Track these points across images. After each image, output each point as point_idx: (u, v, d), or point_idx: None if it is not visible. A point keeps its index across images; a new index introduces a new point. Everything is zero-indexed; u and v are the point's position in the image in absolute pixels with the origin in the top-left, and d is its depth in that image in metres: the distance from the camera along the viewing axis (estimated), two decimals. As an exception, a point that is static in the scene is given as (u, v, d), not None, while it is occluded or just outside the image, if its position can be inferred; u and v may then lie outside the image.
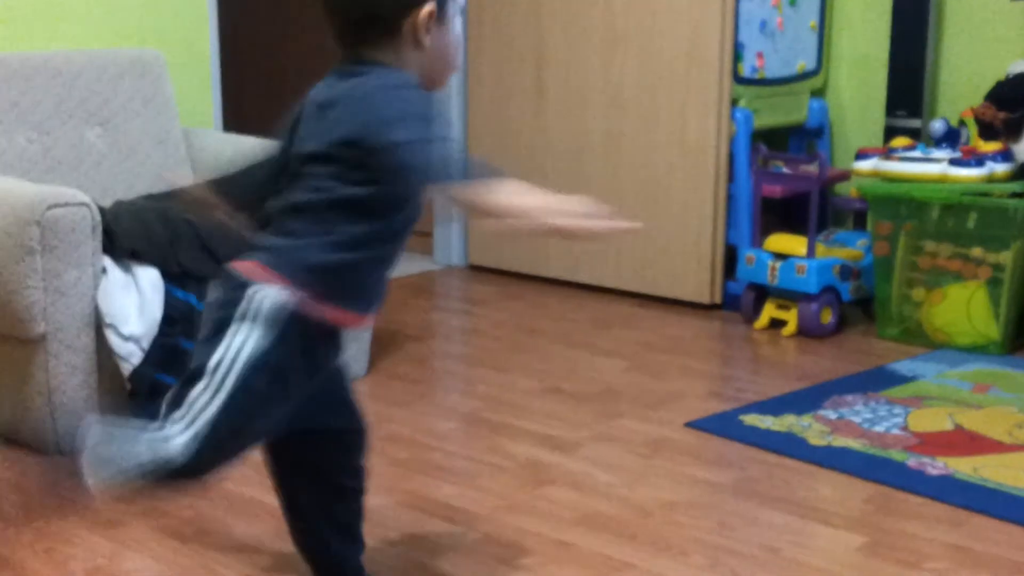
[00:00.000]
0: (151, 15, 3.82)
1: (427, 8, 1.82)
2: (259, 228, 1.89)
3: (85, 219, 2.79)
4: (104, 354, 2.84)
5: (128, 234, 2.92)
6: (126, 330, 2.80)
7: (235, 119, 4.46)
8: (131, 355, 2.80)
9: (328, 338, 1.91)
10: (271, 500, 2.59)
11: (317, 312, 1.83)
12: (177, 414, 1.80)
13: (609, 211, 1.67)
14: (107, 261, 2.86)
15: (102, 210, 2.89)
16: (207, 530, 2.46)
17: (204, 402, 1.79)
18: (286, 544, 2.39)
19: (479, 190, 1.70)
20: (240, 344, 1.79)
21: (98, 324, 2.81)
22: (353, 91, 1.81)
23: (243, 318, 1.80)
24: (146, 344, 2.83)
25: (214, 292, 1.88)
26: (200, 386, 1.80)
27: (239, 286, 1.82)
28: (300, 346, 1.83)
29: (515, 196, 1.68)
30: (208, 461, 1.82)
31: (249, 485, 2.68)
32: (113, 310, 2.80)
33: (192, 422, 1.79)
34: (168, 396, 1.83)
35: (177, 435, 1.78)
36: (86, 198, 2.81)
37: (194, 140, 3.69)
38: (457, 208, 1.75)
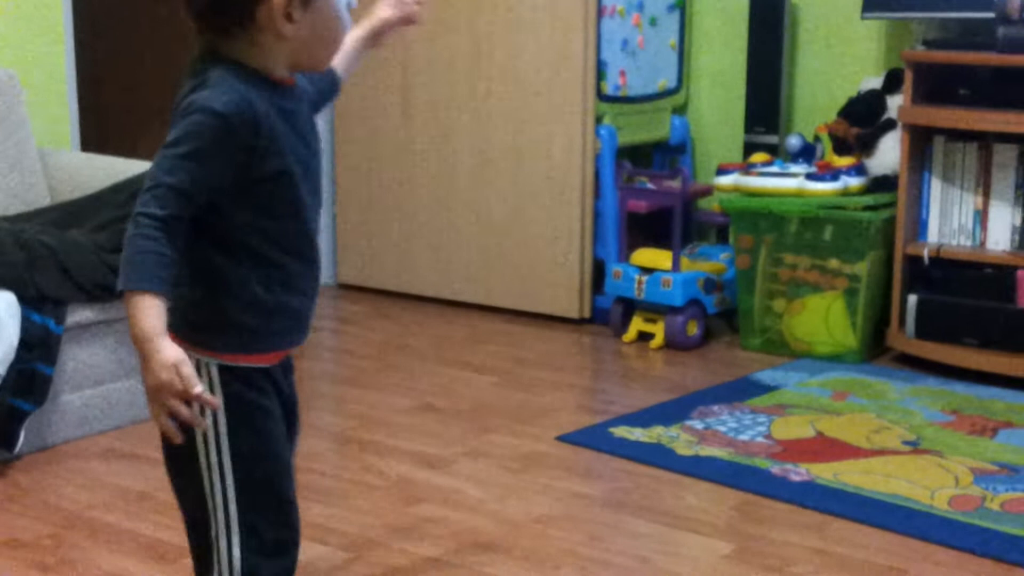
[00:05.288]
0: (5, 34, 3.71)
1: None
2: None
3: (-65, 242, 2.70)
4: (-42, 382, 2.74)
5: (-18, 257, 2.82)
6: (-19, 356, 2.71)
7: (96, 138, 4.35)
8: (-14, 382, 2.71)
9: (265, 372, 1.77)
10: (135, 526, 2.54)
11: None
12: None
13: None
14: (-40, 285, 2.77)
15: (-46, 233, 2.80)
16: (69, 559, 2.39)
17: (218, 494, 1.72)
18: (151, 572, 2.35)
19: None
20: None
21: (-49, 351, 2.72)
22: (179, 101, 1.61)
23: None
24: (2, 370, 2.74)
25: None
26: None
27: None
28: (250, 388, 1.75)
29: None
30: (272, 544, 1.78)
31: (112, 512, 2.62)
32: (-33, 336, 2.71)
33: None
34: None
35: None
36: (-64, 221, 2.72)
37: (51, 160, 3.59)
38: None
